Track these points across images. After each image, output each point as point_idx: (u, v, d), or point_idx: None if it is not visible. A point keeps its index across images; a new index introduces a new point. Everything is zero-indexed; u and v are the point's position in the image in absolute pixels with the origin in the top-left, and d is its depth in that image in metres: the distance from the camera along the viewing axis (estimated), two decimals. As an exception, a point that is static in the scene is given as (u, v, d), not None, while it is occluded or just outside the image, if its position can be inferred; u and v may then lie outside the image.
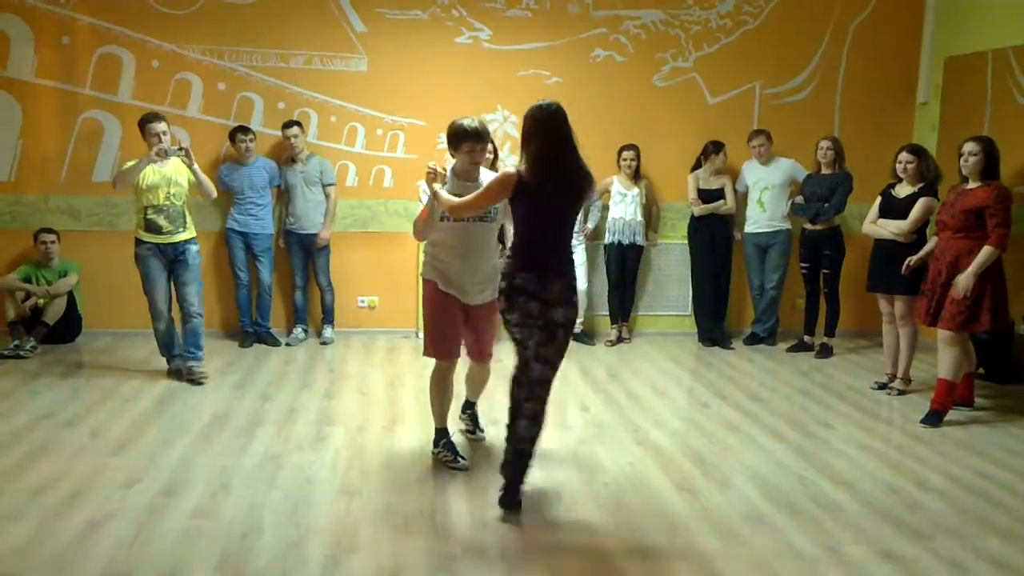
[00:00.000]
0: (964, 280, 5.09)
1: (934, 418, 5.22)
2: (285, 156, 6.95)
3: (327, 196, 6.95)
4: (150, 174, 5.67)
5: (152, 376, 5.95)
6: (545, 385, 3.81)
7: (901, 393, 5.85)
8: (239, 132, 6.74)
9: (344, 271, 7.22)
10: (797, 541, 3.63)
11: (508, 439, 3.85)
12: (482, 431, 4.83)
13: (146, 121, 5.65)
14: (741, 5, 7.37)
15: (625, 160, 7.08)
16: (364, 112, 7.18)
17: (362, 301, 7.38)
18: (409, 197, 7.19)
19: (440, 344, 4.29)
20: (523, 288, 3.73)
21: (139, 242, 5.79)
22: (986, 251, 5.04)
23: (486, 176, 4.25)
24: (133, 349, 6.38)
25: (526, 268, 3.75)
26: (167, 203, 5.75)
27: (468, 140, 4.13)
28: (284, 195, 6.97)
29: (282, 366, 6.33)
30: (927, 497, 4.13)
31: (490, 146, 4.55)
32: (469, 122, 4.14)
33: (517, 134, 7.21)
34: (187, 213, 5.87)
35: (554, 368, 3.81)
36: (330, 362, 6.51)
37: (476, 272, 4.25)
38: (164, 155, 5.61)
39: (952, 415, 5.30)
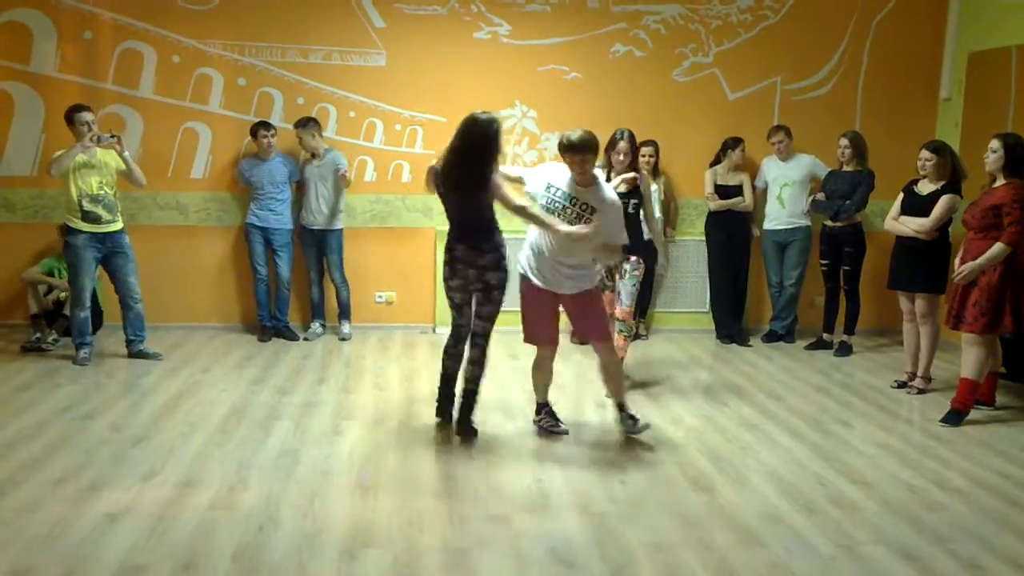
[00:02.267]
0: (968, 268, 5.05)
1: (955, 418, 5.17)
2: (305, 153, 6.97)
3: (340, 178, 6.83)
4: (79, 161, 5.88)
5: (171, 370, 5.99)
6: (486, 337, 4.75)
7: (921, 392, 5.80)
8: (261, 128, 6.77)
9: (361, 266, 7.24)
10: (814, 540, 3.61)
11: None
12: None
13: (73, 111, 5.90)
14: (762, 0, 7.32)
15: (644, 156, 7.03)
16: (383, 107, 7.19)
17: (379, 296, 7.40)
18: (426, 192, 7.20)
19: (533, 331, 4.80)
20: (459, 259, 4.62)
21: (73, 231, 5.95)
22: (997, 247, 4.99)
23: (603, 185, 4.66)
24: (152, 343, 6.42)
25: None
26: (101, 192, 5.96)
27: (569, 152, 4.45)
28: (299, 190, 7.00)
29: (300, 361, 6.36)
30: (946, 497, 4.09)
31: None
32: (574, 135, 4.45)
33: (536, 129, 7.29)
34: (118, 203, 6.08)
35: (491, 322, 4.73)
36: (347, 357, 6.53)
37: (564, 265, 4.59)
38: (97, 142, 5.83)
39: (972, 414, 5.25)
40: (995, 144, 5.12)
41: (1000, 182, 5.12)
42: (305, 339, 6.99)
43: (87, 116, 5.88)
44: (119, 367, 6.03)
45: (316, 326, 7.12)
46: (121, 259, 6.12)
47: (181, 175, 7.08)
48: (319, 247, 7.03)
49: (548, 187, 4.56)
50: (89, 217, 5.94)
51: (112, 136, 5.93)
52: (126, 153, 6.01)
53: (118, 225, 6.09)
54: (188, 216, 7.13)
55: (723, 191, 7.12)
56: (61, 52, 6.86)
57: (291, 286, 7.05)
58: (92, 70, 6.91)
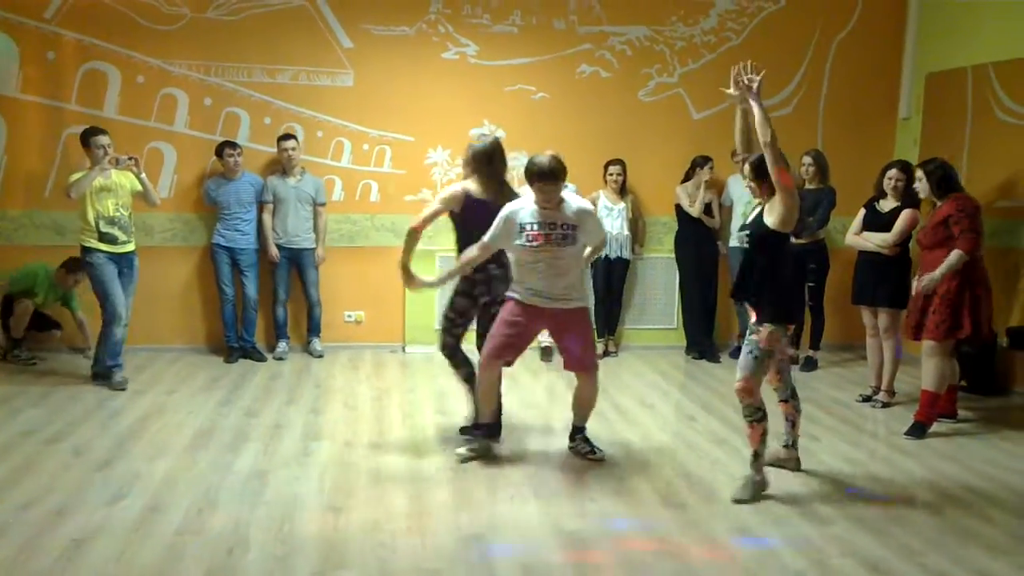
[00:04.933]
0: (928, 278, 5.17)
1: (918, 430, 5.25)
2: (277, 169, 6.95)
3: (318, 215, 6.97)
4: (96, 184, 5.87)
5: (136, 393, 5.90)
6: None
7: (885, 406, 5.89)
8: (227, 147, 6.74)
9: (330, 286, 7.21)
10: (784, 554, 3.64)
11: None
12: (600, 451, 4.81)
13: (90, 135, 5.89)
14: (725, 22, 7.45)
15: (611, 175, 7.12)
16: (351, 127, 7.19)
17: (349, 316, 7.38)
18: (395, 211, 7.21)
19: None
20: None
21: (92, 251, 5.93)
22: (954, 254, 5.12)
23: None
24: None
25: None
26: (118, 214, 5.97)
27: (541, 180, 4.30)
28: (272, 208, 6.94)
29: (267, 381, 6.30)
30: (913, 510, 4.15)
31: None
32: (545, 161, 4.30)
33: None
34: (132, 224, 6.11)
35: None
36: (316, 377, 6.49)
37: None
38: (115, 164, 5.84)
39: (936, 427, 5.34)
40: (919, 172, 5.37)
41: (941, 202, 5.28)
42: (277, 359, 6.93)
43: (104, 139, 5.87)
44: (83, 390, 5.93)
45: (283, 345, 7.07)
46: (127, 279, 6.11)
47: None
48: (297, 266, 7.00)
49: (522, 229, 4.37)
50: (106, 238, 5.93)
51: (130, 158, 5.93)
52: (143, 175, 6.02)
53: (132, 246, 6.11)
54: (153, 236, 7.05)
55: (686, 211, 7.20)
56: (24, 72, 6.78)
57: (258, 306, 7.00)
58: (55, 91, 6.83)
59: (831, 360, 7.25)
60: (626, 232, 7.16)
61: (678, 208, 7.22)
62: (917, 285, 5.43)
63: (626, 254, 7.19)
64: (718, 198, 7.28)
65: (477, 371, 4.70)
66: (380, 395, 6.01)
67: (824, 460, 4.83)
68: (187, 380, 6.26)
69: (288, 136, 6.85)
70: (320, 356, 7.05)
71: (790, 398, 4.54)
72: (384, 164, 7.25)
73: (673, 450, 4.96)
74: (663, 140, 7.43)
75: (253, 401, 5.77)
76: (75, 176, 5.91)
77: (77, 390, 5.93)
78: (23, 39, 6.75)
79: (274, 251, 6.93)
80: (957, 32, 6.99)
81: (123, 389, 5.92)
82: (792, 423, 4.57)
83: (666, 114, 7.46)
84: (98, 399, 5.73)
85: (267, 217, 6.95)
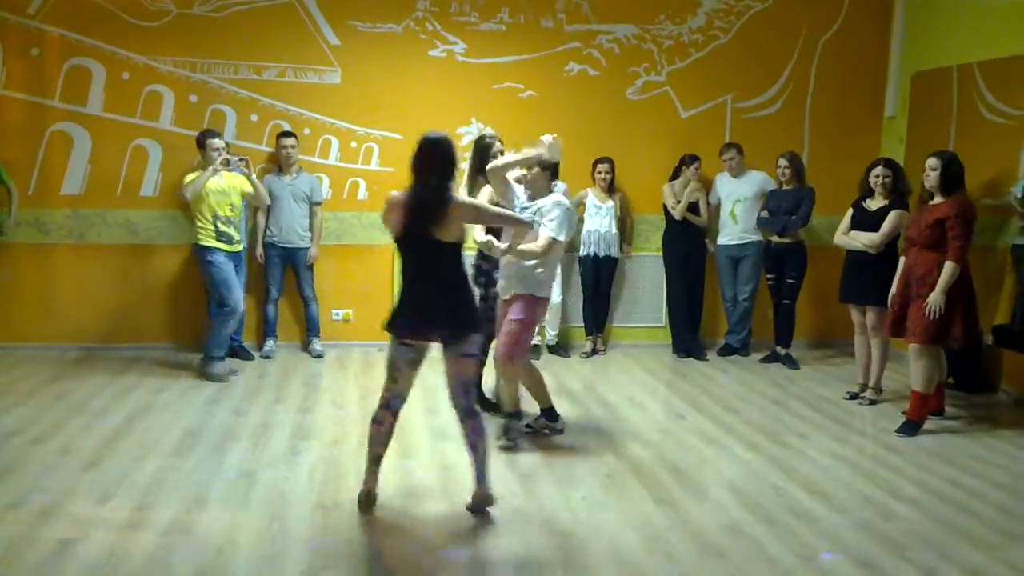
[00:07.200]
0: (934, 299, 5.15)
1: (910, 428, 5.28)
2: (272, 167, 6.94)
3: (314, 214, 6.95)
4: (212, 186, 6.10)
5: (123, 392, 5.86)
6: None
7: (873, 403, 5.92)
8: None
9: (318, 284, 7.16)
10: (774, 551, 3.65)
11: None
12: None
13: (206, 137, 6.19)
14: (712, 20, 7.46)
15: (600, 173, 7.12)
16: (338, 124, 7.16)
17: (336, 314, 7.34)
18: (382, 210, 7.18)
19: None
20: None
21: (212, 250, 6.16)
22: (948, 268, 5.12)
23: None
24: (102, 363, 6.29)
25: None
26: (233, 214, 6.23)
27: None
28: (266, 207, 6.89)
29: (255, 380, 6.27)
30: (901, 506, 4.18)
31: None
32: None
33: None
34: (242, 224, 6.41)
35: None
36: (304, 376, 6.46)
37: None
38: (227, 165, 6.06)
39: (924, 424, 5.37)
40: (933, 162, 5.27)
41: (939, 199, 5.26)
42: (264, 357, 6.89)
43: (218, 142, 6.10)
44: (68, 390, 5.88)
45: (271, 343, 7.02)
46: (241, 275, 6.41)
47: (131, 193, 6.95)
48: (291, 264, 6.97)
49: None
50: (223, 238, 6.17)
51: (241, 159, 6.14)
52: (253, 176, 6.24)
53: (242, 245, 6.43)
54: (139, 235, 7.00)
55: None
56: (7, 68, 6.71)
57: (245, 305, 6.95)
58: (39, 87, 6.77)
59: (816, 357, 7.28)
60: (614, 231, 7.15)
61: (666, 206, 7.23)
62: (907, 292, 5.39)
63: (614, 252, 7.18)
64: (705, 196, 7.29)
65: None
66: (368, 394, 5.98)
67: (814, 457, 4.85)
68: (174, 379, 6.21)
69: (288, 134, 6.84)
70: (320, 356, 6.98)
71: (465, 418, 3.92)
72: (372, 162, 7.22)
73: (663, 448, 4.96)
74: (651, 138, 7.43)
75: (241, 400, 5.73)
76: (190, 177, 6.11)
77: (64, 390, 5.88)
78: (6, 35, 6.68)
79: (259, 251, 6.91)
80: (943, 31, 7.03)
81: (224, 381, 6.15)
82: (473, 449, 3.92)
83: (654, 112, 7.46)
84: (84, 398, 5.68)
85: (260, 216, 6.91)
